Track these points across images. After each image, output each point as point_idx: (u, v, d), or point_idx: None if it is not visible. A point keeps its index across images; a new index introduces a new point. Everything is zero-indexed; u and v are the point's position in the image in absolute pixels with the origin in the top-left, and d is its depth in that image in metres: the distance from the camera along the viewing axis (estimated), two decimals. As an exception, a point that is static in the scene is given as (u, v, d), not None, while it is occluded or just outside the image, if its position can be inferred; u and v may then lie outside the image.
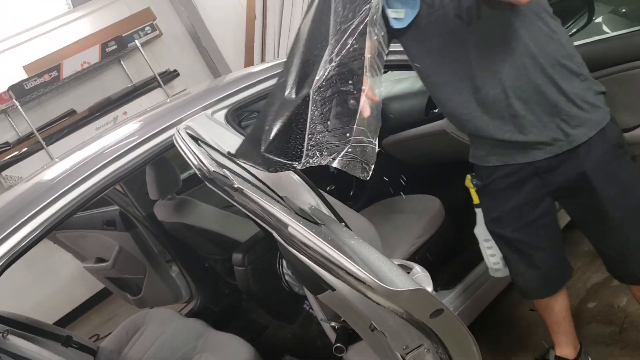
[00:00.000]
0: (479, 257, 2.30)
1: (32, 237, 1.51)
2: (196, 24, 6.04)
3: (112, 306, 4.85)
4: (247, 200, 1.09)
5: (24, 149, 4.85)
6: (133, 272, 3.27)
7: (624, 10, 2.51)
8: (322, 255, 0.92)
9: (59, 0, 5.43)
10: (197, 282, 3.27)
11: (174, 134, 1.70)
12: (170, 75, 5.69)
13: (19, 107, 4.76)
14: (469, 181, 1.80)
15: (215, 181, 1.16)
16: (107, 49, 5.17)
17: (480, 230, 1.88)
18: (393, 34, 1.57)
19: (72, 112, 5.23)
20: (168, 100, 2.42)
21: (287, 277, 2.55)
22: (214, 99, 2.02)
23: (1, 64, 5.07)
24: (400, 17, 1.50)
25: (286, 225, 0.99)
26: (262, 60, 6.21)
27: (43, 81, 4.88)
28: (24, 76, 4.97)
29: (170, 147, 1.82)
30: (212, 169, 1.15)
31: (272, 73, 2.10)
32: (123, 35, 5.30)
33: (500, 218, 1.72)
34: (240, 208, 1.15)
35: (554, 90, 1.48)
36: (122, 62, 5.57)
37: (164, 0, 5.99)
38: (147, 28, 5.54)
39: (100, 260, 3.33)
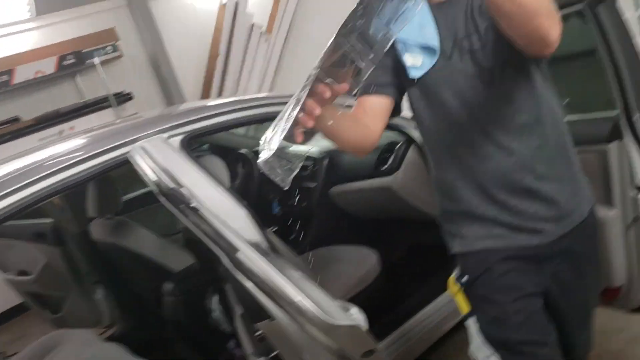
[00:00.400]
0: (408, 314, 2.37)
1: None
2: (158, 51, 6.06)
3: (24, 324, 4.60)
4: (201, 221, 1.10)
5: (-42, 150, 4.67)
6: (56, 289, 3.15)
7: (567, 100, 2.69)
8: (268, 283, 0.95)
9: (22, 5, 5.35)
10: (121, 308, 3.17)
11: (129, 152, 1.69)
12: (124, 98, 5.64)
13: (-39, 106, 4.62)
14: (453, 284, 1.48)
15: (172, 198, 1.17)
16: (64, 62, 5.11)
17: (478, 346, 1.47)
18: (405, 86, 1.42)
19: (15, 120, 5.08)
20: (118, 121, 2.41)
21: (216, 313, 2.53)
22: (172, 124, 2.02)
23: (-50, 60, 4.93)
24: (417, 64, 1.36)
25: (236, 250, 1.01)
26: (219, 97, 6.26)
27: (-9, 84, 4.77)
28: (-28, 76, 4.84)
29: (120, 165, 1.80)
30: (171, 185, 1.17)
31: (230, 108, 2.13)
32: (83, 51, 5.26)
33: (499, 318, 1.40)
34: (192, 228, 1.16)
35: (564, 162, 1.40)
36: (77, 77, 5.51)
37: (130, 23, 6.00)
38: (108, 48, 5.53)
39: (22, 272, 3.20)
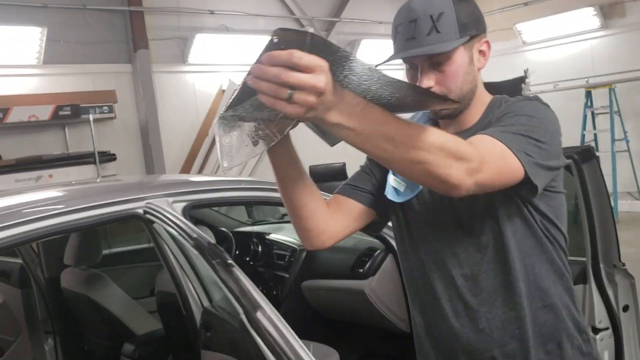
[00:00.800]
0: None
1: None
2: (151, 121, 6.25)
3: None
4: (229, 277, 1.20)
5: None
6: (5, 331, 3.07)
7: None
8: (282, 344, 1.03)
9: (32, 51, 5.54)
10: (69, 363, 3.10)
11: (146, 205, 1.79)
12: (107, 157, 5.75)
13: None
14: None
15: (209, 252, 1.26)
16: (60, 112, 5.24)
17: None
18: (387, 205, 1.33)
19: (-5, 157, 5.12)
20: (98, 180, 2.49)
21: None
22: (176, 191, 2.13)
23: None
24: (399, 189, 1.27)
25: (257, 308, 1.11)
26: (200, 173, 6.41)
27: (-16, 118, 4.84)
28: (-32, 107, 4.92)
29: (125, 218, 1.88)
30: (213, 241, 1.27)
31: (231, 186, 2.25)
32: (81, 105, 5.41)
33: None
34: (218, 281, 1.25)
35: (550, 347, 1.22)
36: (66, 128, 5.63)
37: (129, 88, 6.23)
38: (105, 107, 5.70)
39: (-26, 308, 3.12)
